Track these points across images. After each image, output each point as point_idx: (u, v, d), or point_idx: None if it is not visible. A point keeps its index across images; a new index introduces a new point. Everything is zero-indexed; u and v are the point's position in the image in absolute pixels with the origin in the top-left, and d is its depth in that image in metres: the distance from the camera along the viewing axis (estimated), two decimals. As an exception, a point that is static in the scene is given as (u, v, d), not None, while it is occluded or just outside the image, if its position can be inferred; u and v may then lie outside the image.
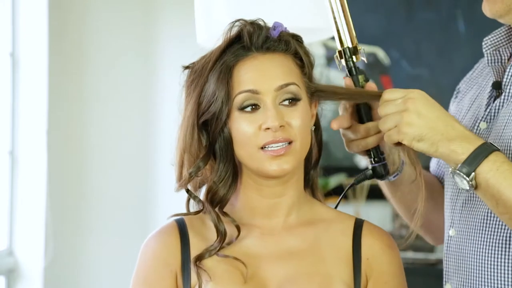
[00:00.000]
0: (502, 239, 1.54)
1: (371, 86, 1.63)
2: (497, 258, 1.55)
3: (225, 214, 1.55)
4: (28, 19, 3.57)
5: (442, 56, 4.00)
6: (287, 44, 1.56)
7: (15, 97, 3.58)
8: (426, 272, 3.63)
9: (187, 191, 1.60)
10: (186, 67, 1.59)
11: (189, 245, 1.56)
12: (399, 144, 1.51)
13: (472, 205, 1.60)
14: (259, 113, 1.52)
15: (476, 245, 1.58)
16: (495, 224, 1.55)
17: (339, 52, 1.64)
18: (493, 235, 1.55)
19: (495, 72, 1.66)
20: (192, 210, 1.61)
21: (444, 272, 1.66)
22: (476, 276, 1.57)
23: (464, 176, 1.45)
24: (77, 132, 3.88)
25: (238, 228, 1.54)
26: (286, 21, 1.59)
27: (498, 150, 1.46)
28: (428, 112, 1.47)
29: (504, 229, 1.54)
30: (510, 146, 1.54)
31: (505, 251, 1.54)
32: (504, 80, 1.62)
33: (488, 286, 1.55)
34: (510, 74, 1.62)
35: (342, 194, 1.74)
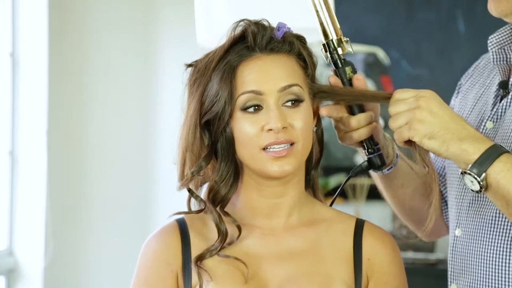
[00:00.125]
0: (510, 240, 1.54)
1: (359, 78, 1.61)
2: (505, 259, 1.54)
3: (226, 213, 1.55)
4: (28, 19, 3.57)
5: (442, 56, 4.00)
6: (291, 45, 1.56)
7: (15, 97, 3.58)
8: (426, 272, 3.63)
9: (189, 190, 1.60)
10: (189, 65, 1.59)
11: (190, 245, 1.55)
12: (409, 142, 1.51)
13: (479, 205, 1.59)
14: (262, 114, 1.51)
15: (484, 246, 1.57)
16: (503, 225, 1.55)
17: (323, 45, 1.63)
18: (501, 235, 1.55)
19: (501, 71, 1.65)
20: (193, 209, 1.61)
21: (449, 272, 1.66)
22: (482, 277, 1.57)
23: (475, 176, 1.44)
24: (77, 132, 3.88)
25: (239, 228, 1.54)
26: (286, 21, 1.58)
27: (508, 152, 1.46)
28: (440, 110, 1.47)
29: None
30: None
31: None
32: (511, 79, 1.62)
33: (494, 287, 1.55)
34: None
35: (340, 187, 1.73)
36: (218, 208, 1.55)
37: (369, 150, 1.64)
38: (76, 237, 3.85)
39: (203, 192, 1.60)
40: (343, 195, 3.86)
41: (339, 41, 1.63)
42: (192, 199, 1.61)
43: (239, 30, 1.55)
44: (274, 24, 1.57)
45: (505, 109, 1.61)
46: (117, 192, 3.92)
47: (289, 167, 1.51)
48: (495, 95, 1.65)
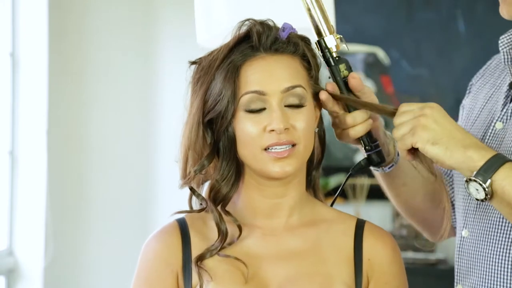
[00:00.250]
0: None
1: (355, 76, 1.59)
2: (511, 260, 1.54)
3: (227, 213, 1.55)
4: (28, 19, 3.57)
5: (442, 56, 4.00)
6: (296, 46, 1.55)
7: (15, 97, 3.58)
8: (426, 272, 3.63)
9: (191, 189, 1.59)
10: (193, 62, 1.59)
11: (190, 245, 1.55)
12: (412, 155, 1.49)
13: (486, 207, 1.58)
14: (265, 114, 1.51)
15: (490, 247, 1.56)
16: (510, 226, 1.54)
17: (316, 43, 1.61)
18: (508, 237, 1.54)
19: None
20: (194, 207, 1.61)
21: (455, 273, 1.65)
22: (488, 278, 1.56)
23: (481, 182, 1.43)
24: (77, 132, 3.88)
25: (239, 228, 1.54)
26: (286, 21, 1.58)
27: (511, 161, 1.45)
28: (445, 121, 1.46)
29: None
30: None
31: None
32: None
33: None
34: None
35: (341, 186, 1.72)
36: (219, 207, 1.55)
37: (367, 147, 1.63)
38: (76, 237, 3.85)
39: (205, 190, 1.60)
40: (343, 195, 3.86)
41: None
42: (194, 198, 1.60)
43: (244, 29, 1.55)
44: (278, 25, 1.56)
45: None
46: (117, 192, 3.92)
47: (290, 168, 1.51)
48: (505, 96, 1.63)
